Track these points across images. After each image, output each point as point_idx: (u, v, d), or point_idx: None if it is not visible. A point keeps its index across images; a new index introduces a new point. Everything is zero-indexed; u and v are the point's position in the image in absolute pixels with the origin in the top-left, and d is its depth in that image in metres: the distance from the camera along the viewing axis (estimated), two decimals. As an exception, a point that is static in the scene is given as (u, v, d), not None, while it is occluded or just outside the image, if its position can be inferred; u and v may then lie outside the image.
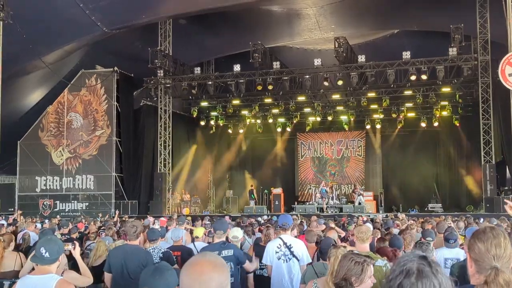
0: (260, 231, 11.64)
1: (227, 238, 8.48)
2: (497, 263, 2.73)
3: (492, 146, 26.74)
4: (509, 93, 20.19)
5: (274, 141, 36.66)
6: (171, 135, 30.20)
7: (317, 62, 27.10)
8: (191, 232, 10.24)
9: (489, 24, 25.76)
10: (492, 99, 26.47)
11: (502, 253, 2.77)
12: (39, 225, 14.83)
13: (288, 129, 35.24)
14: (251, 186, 32.19)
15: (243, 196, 34.86)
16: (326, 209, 28.65)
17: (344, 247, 6.07)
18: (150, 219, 14.89)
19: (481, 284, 2.66)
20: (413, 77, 25.74)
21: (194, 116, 32.77)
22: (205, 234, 9.76)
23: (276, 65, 27.64)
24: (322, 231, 11.11)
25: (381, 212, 28.45)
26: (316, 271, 6.03)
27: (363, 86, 27.78)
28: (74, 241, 6.78)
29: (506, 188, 27.09)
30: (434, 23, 27.15)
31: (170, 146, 30.14)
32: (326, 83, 27.28)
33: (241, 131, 35.44)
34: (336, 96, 30.35)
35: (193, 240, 8.97)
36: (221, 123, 34.23)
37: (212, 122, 34.04)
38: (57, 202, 28.84)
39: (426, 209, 29.78)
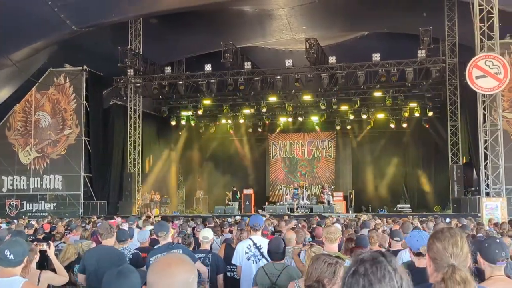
0: (230, 231, 11.62)
1: (197, 239, 8.48)
2: (454, 261, 2.80)
3: (460, 147, 27.19)
4: (476, 95, 20.51)
5: (245, 142, 36.69)
6: (141, 135, 30.00)
7: (288, 62, 27.16)
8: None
9: (457, 27, 26.21)
10: (460, 101, 26.91)
11: (459, 251, 2.86)
12: (4, 225, 14.56)
13: (259, 130, 35.29)
14: (234, 187, 32.05)
15: (214, 197, 34.78)
16: (297, 209, 28.74)
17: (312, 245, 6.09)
18: (118, 219, 14.75)
19: (438, 281, 2.70)
20: (383, 79, 26.00)
21: (165, 116, 32.57)
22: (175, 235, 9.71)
23: (248, 65, 27.63)
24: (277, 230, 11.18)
25: (350, 212, 28.68)
26: (267, 272, 6.03)
27: (333, 87, 27.95)
28: (49, 241, 6.78)
29: (473, 188, 27.51)
30: (403, 26, 27.46)
31: (140, 146, 29.95)
32: (297, 84, 27.38)
33: (212, 131, 35.38)
34: (307, 97, 30.47)
35: (158, 242, 8.90)
36: (192, 123, 34.07)
37: (183, 122, 33.86)
38: (24, 202, 28.37)
39: (395, 209, 30.10)
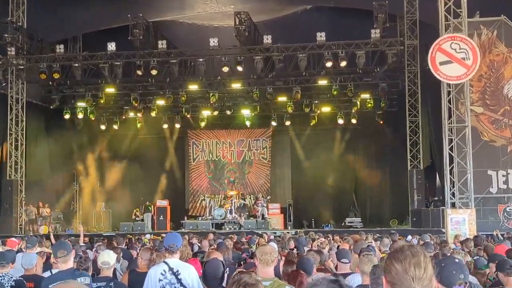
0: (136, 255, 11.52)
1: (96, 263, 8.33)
2: (417, 285, 2.82)
3: (420, 149, 27.83)
4: (440, 85, 21.01)
5: (159, 141, 36.39)
6: (25, 132, 29.45)
7: (214, 42, 27.15)
8: (48, 257, 9.92)
9: (418, 2, 26.76)
10: (421, 92, 27.55)
11: (422, 273, 2.88)
12: None
13: (177, 126, 35.08)
14: (148, 202, 31.83)
15: (118, 210, 34.35)
16: (224, 225, 28.83)
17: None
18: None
19: None
20: (329, 64, 26.35)
21: (56, 107, 31.99)
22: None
23: (162, 44, 27.52)
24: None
25: (289, 228, 28.93)
26: None
27: (269, 73, 28.16)
28: None
29: (436, 198, 28.19)
30: (354, -1, 27.95)
31: (24, 146, 29.35)
32: (224, 69, 27.39)
33: (116, 127, 34.87)
34: (236, 85, 30.57)
35: (50, 267, 8.68)
36: (91, 116, 33.45)
37: (79, 116, 33.16)
38: None
39: (343, 224, 30.58)
